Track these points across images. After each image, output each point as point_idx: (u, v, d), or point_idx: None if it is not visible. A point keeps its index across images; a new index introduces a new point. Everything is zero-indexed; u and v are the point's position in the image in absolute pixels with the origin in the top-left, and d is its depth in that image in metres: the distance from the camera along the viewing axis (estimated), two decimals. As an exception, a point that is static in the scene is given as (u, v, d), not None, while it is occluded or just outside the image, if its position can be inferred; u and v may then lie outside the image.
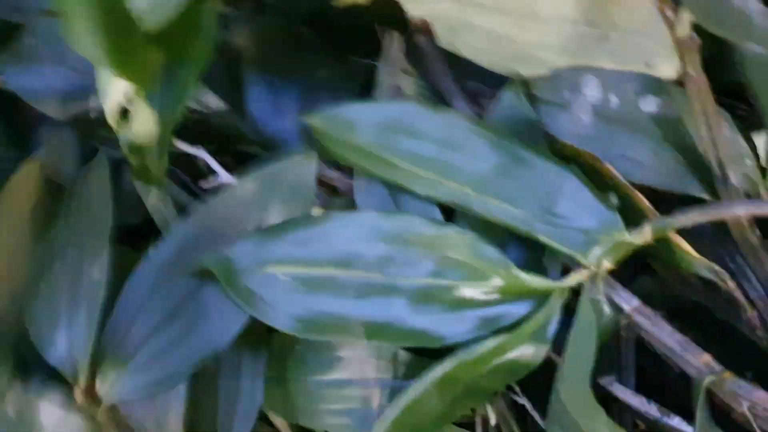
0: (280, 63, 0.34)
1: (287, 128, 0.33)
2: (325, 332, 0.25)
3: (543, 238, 0.25)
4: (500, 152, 0.26)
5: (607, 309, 0.26)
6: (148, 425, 0.27)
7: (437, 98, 0.29)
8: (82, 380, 0.26)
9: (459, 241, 0.25)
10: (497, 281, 0.25)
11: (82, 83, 0.29)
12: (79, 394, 0.25)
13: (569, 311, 0.26)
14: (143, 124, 0.25)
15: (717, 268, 0.25)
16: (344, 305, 0.25)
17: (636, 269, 0.29)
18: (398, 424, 0.26)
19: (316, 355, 0.28)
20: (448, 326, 0.25)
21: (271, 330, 0.25)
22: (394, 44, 0.30)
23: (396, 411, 0.25)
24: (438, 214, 0.27)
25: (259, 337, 0.27)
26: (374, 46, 0.31)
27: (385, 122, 0.27)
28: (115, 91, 0.25)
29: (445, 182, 0.26)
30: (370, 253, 0.25)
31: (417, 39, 0.29)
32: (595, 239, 0.25)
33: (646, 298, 0.26)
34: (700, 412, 0.24)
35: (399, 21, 0.29)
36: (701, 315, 0.27)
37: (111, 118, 0.26)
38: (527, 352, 0.26)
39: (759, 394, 0.23)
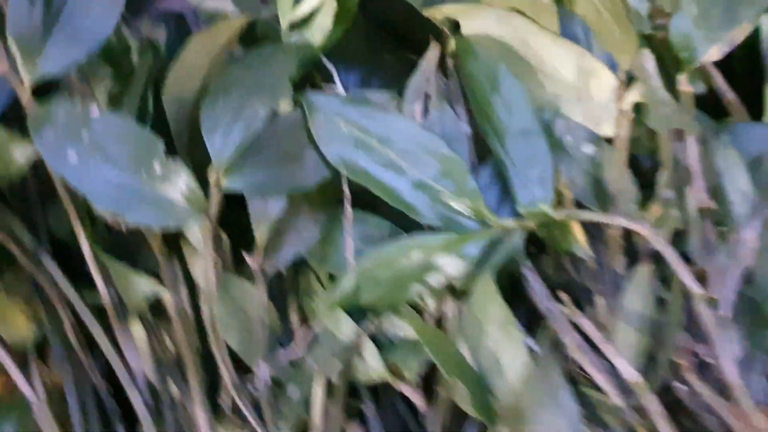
0: (352, 49, 0.49)
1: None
2: (354, 175, 0.39)
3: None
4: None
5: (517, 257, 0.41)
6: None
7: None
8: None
9: (461, 170, 0.40)
10: (467, 203, 0.40)
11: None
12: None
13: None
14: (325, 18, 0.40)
15: (590, 253, 0.41)
16: (372, 165, 0.39)
17: (540, 250, 0.44)
18: (362, 276, 0.40)
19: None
20: (427, 211, 0.40)
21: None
22: (433, 52, 0.46)
23: (358, 271, 0.39)
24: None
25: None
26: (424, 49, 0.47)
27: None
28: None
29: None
30: (403, 147, 0.40)
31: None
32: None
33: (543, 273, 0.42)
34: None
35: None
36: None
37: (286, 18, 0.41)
38: (449, 262, 0.40)
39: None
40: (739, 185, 0.45)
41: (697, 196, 0.43)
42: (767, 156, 0.46)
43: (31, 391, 0.47)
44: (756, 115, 0.50)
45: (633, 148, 0.44)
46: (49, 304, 0.48)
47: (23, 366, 0.48)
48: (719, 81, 0.48)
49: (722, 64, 0.52)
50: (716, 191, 0.45)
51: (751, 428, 0.37)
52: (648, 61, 0.39)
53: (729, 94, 0.48)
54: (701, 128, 0.46)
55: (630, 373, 0.38)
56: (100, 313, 0.47)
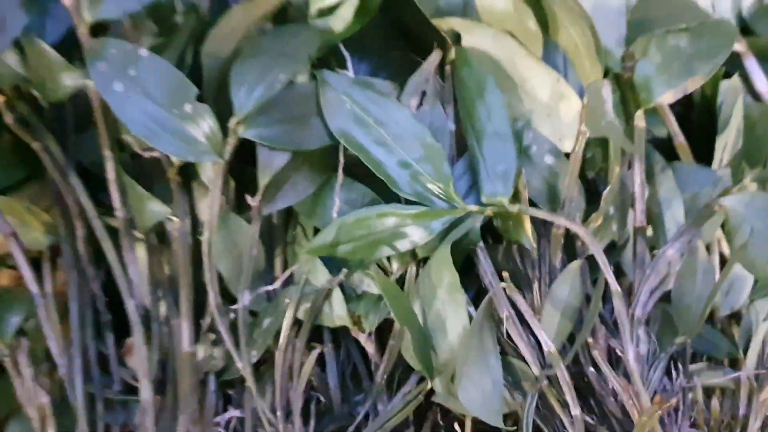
0: (367, 42, 0.57)
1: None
2: (350, 146, 0.47)
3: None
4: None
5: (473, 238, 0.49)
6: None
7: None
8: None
9: (440, 157, 0.47)
10: (440, 185, 0.47)
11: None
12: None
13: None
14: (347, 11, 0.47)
15: (535, 246, 0.48)
16: (366, 140, 0.47)
17: (495, 241, 0.52)
18: (342, 231, 0.47)
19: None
20: (406, 187, 0.47)
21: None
22: (434, 57, 0.53)
23: (339, 226, 0.47)
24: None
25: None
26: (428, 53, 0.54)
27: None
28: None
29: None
30: (395, 130, 0.47)
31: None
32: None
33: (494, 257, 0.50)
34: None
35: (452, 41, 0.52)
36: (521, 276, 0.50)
37: (316, 5, 0.48)
38: (415, 231, 0.47)
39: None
40: (674, 215, 0.53)
41: (636, 217, 0.51)
42: (702, 194, 0.54)
43: (39, 289, 0.54)
44: (704, 158, 0.57)
45: (589, 167, 0.52)
46: (66, 217, 0.55)
47: (35, 267, 0.55)
48: (674, 127, 0.56)
49: (683, 116, 0.61)
50: (655, 218, 0.53)
51: (641, 409, 0.44)
52: (606, 91, 0.47)
53: (680, 138, 0.56)
54: (652, 162, 0.54)
55: (548, 344, 0.45)
56: (110, 232, 0.54)
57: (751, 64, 0.63)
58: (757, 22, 0.64)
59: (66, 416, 0.54)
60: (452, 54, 0.52)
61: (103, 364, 0.55)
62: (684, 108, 0.62)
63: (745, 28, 0.65)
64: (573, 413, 0.44)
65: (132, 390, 0.55)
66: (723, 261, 0.55)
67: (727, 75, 0.60)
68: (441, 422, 0.53)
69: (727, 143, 0.57)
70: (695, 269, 0.51)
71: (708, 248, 0.54)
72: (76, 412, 0.53)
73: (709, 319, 0.55)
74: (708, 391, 0.52)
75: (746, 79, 0.63)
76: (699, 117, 0.61)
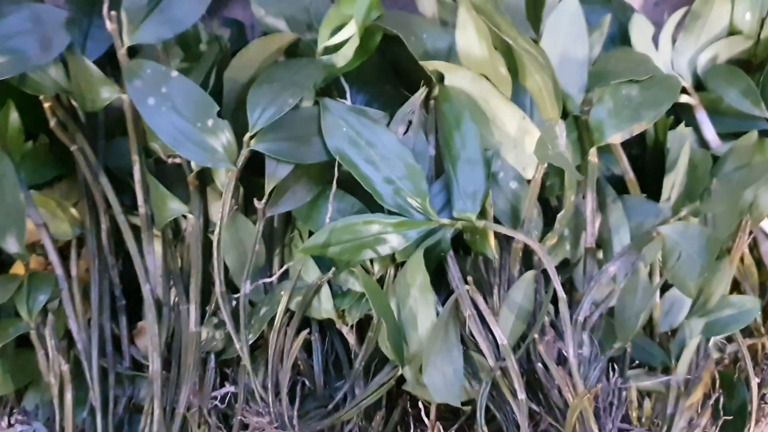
0: (364, 77, 0.66)
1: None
2: (344, 162, 0.55)
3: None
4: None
5: (444, 247, 0.57)
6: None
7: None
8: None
9: (419, 177, 0.56)
10: (418, 200, 0.56)
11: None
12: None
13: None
14: (348, 49, 0.56)
15: (497, 257, 0.57)
16: (358, 159, 0.56)
17: (465, 253, 0.61)
18: (332, 234, 0.55)
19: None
20: (390, 200, 0.56)
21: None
22: (419, 94, 0.62)
23: (330, 229, 0.55)
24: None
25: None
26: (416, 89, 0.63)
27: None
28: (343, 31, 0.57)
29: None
30: (383, 151, 0.56)
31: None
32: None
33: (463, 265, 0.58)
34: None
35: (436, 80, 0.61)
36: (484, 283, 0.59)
37: (322, 44, 0.58)
38: (395, 238, 0.56)
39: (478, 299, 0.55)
40: (621, 239, 0.62)
41: (587, 239, 0.60)
42: (645, 223, 0.63)
43: (64, 274, 0.62)
44: (655, 193, 0.66)
45: (548, 193, 0.61)
46: (92, 212, 0.63)
47: (62, 255, 0.63)
48: (625, 165, 0.65)
49: (639, 157, 0.70)
50: (605, 241, 0.62)
51: (578, 399, 0.52)
52: (560, 128, 0.56)
53: (629, 175, 0.65)
54: (605, 194, 0.63)
55: (502, 338, 0.54)
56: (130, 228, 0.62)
57: (702, 116, 0.72)
58: (710, 80, 0.73)
59: (80, 389, 0.62)
60: (436, 91, 0.61)
61: (116, 343, 0.63)
62: (640, 150, 0.72)
63: (699, 85, 0.75)
64: (519, 398, 0.53)
65: (140, 367, 0.63)
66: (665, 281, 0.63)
67: (679, 122, 0.70)
68: (410, 410, 0.61)
69: (675, 182, 0.66)
70: (636, 287, 0.60)
71: (651, 270, 0.63)
72: (90, 384, 0.61)
73: (649, 333, 0.63)
74: (644, 394, 0.61)
75: (697, 128, 0.73)
76: (651, 159, 0.70)
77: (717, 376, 0.67)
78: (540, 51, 0.57)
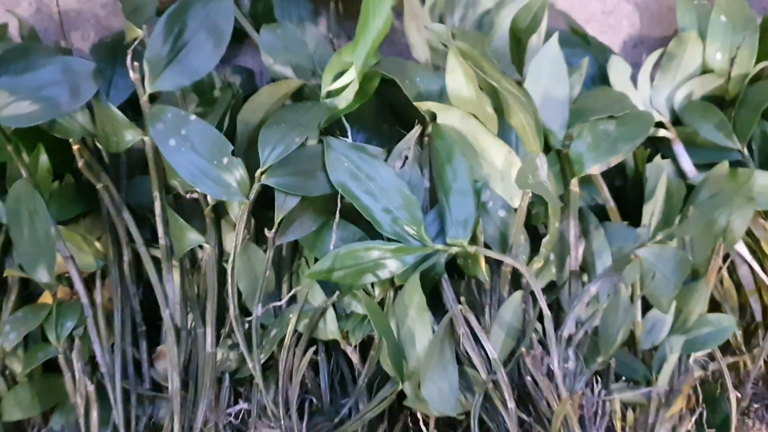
0: (364, 117, 0.72)
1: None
2: (346, 195, 0.62)
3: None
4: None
5: (439, 270, 0.63)
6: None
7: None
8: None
9: (415, 207, 0.62)
10: (414, 228, 0.62)
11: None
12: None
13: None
14: (349, 93, 0.63)
15: (488, 279, 0.63)
16: (359, 191, 0.62)
17: (459, 277, 0.66)
18: (336, 260, 0.61)
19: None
20: (388, 228, 0.62)
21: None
22: (414, 132, 0.68)
23: (334, 256, 0.61)
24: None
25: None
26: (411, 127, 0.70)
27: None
28: (344, 76, 0.63)
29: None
30: (382, 184, 0.62)
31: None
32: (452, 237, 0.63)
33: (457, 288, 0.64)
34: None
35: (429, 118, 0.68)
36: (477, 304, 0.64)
37: (326, 88, 0.64)
38: (393, 263, 0.62)
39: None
40: (604, 263, 0.67)
41: (571, 263, 0.66)
42: (625, 247, 0.68)
43: (89, 302, 0.68)
44: (635, 220, 0.72)
45: (534, 220, 0.67)
46: (115, 245, 0.69)
47: (87, 285, 0.69)
48: (605, 194, 0.71)
49: (621, 188, 0.76)
50: (589, 264, 0.68)
51: (562, 404, 0.58)
52: (542, 162, 0.62)
53: (610, 203, 0.71)
54: (588, 221, 0.69)
55: (492, 352, 0.59)
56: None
57: (679, 149, 0.78)
58: (686, 115, 0.80)
59: (103, 409, 0.67)
60: (429, 129, 0.67)
61: (137, 366, 0.69)
62: (622, 181, 0.78)
63: (677, 120, 0.81)
64: (509, 407, 0.58)
65: (159, 388, 0.68)
66: (645, 302, 0.69)
67: (658, 154, 0.76)
68: (411, 424, 0.66)
69: (654, 210, 0.72)
70: (618, 306, 0.65)
71: (633, 292, 0.68)
72: (113, 404, 0.66)
73: (632, 350, 0.69)
74: (627, 406, 0.66)
75: (675, 160, 0.79)
76: (632, 189, 0.76)
77: (701, 392, 0.72)
78: (522, 91, 0.63)
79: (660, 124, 0.79)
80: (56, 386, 0.69)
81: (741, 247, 0.76)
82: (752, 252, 0.77)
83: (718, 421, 0.72)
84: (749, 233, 0.77)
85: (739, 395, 0.74)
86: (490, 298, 0.64)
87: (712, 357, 0.74)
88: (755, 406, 0.76)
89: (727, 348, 0.77)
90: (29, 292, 0.73)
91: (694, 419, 0.69)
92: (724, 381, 0.73)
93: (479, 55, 0.62)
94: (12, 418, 0.68)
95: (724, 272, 0.77)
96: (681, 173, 0.78)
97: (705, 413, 0.71)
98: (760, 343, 0.76)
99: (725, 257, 0.76)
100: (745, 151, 0.77)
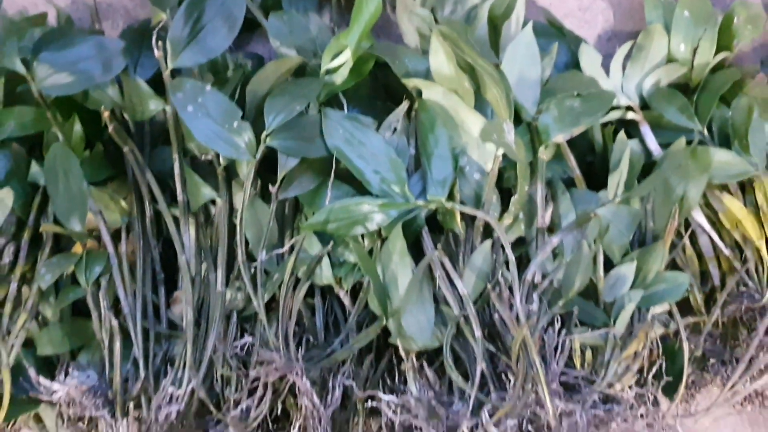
0: (359, 94, 0.83)
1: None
2: (340, 157, 0.72)
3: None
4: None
5: (419, 223, 0.73)
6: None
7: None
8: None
9: (400, 169, 0.73)
10: (399, 187, 0.72)
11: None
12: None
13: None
14: (344, 70, 0.74)
15: (463, 233, 0.73)
16: (352, 155, 0.72)
17: (439, 232, 0.76)
18: (330, 214, 0.72)
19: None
20: (377, 187, 0.72)
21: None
22: (403, 106, 0.79)
23: (328, 210, 0.72)
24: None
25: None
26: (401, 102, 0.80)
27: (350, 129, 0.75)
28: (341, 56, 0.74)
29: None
30: (372, 149, 0.73)
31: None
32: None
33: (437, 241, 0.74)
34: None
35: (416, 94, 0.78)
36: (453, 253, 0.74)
37: (325, 66, 0.75)
38: (380, 216, 0.72)
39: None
40: (569, 221, 0.77)
41: (538, 221, 0.76)
42: (589, 210, 0.78)
43: (114, 252, 0.78)
44: (599, 190, 0.82)
45: (507, 183, 0.77)
46: (139, 203, 0.80)
47: (114, 237, 0.79)
48: (572, 163, 0.81)
49: (592, 162, 0.86)
50: (556, 225, 0.78)
51: (520, 331, 0.67)
52: (509, 127, 0.72)
53: (576, 172, 0.81)
54: (556, 188, 0.79)
55: (463, 289, 0.69)
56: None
57: (645, 129, 0.88)
58: (653, 100, 0.90)
59: (125, 347, 0.77)
60: (416, 104, 0.78)
61: (155, 311, 0.79)
62: (593, 157, 0.88)
63: (645, 105, 0.91)
64: (476, 335, 0.68)
65: (175, 328, 0.79)
66: (606, 258, 0.78)
67: (627, 135, 0.86)
68: (395, 360, 0.76)
69: (619, 180, 0.82)
70: (579, 260, 0.75)
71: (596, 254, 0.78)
72: (134, 342, 0.76)
73: (595, 301, 0.78)
74: (587, 347, 0.75)
75: (642, 141, 0.89)
76: (600, 164, 0.86)
77: (661, 347, 0.81)
78: (496, 69, 0.74)
79: (630, 109, 0.89)
80: (84, 328, 0.80)
81: (701, 219, 0.86)
82: (711, 223, 0.87)
83: (676, 371, 0.81)
84: (709, 206, 0.87)
85: (693, 347, 0.83)
86: (465, 248, 0.74)
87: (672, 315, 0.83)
88: (712, 361, 0.86)
89: (689, 311, 0.87)
90: (61, 248, 0.83)
91: (654, 369, 0.79)
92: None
93: (458, 37, 0.72)
94: (44, 353, 0.78)
95: (687, 242, 0.86)
96: (648, 152, 0.88)
97: (664, 365, 0.81)
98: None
99: (686, 226, 0.86)
100: (705, 132, 0.87)
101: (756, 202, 0.85)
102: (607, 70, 0.90)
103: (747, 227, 0.85)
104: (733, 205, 0.85)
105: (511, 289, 0.71)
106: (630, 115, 0.89)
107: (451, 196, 0.73)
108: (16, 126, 0.78)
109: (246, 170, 0.74)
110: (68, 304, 0.78)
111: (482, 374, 0.69)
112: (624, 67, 0.91)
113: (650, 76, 0.90)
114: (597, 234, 0.76)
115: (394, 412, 0.68)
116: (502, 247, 0.73)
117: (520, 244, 0.77)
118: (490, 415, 0.66)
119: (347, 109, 0.78)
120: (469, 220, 0.75)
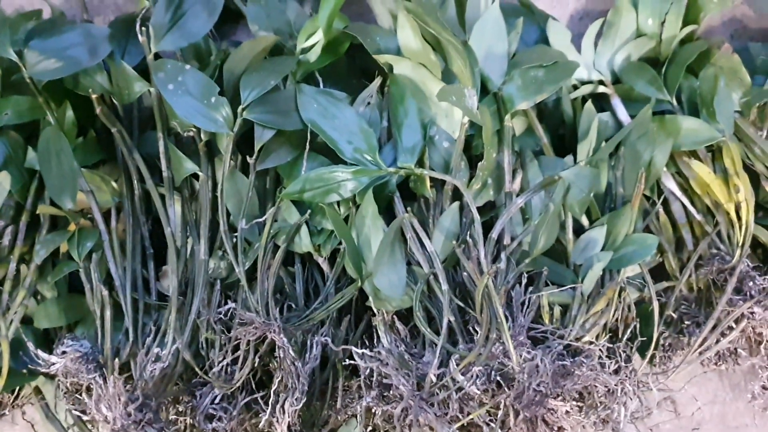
0: (335, 72, 0.89)
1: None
2: (315, 129, 0.78)
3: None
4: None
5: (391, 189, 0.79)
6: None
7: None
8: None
9: (372, 139, 0.78)
10: (371, 155, 0.78)
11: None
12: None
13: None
14: (318, 48, 0.80)
15: (433, 197, 0.78)
16: (327, 126, 0.78)
17: (412, 199, 0.82)
18: (306, 182, 0.78)
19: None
20: (350, 156, 0.78)
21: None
22: (376, 82, 0.85)
23: (305, 179, 0.78)
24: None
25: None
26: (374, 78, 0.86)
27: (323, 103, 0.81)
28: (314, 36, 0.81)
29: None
30: (345, 121, 0.79)
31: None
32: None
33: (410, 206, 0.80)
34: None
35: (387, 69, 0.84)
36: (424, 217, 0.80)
37: (300, 46, 0.82)
38: (353, 183, 0.78)
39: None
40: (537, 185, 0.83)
41: (506, 186, 0.81)
42: (556, 175, 0.83)
43: (105, 229, 0.84)
44: (562, 154, 0.87)
45: (475, 150, 0.83)
46: (128, 183, 0.86)
47: (106, 216, 0.86)
48: (539, 132, 0.87)
49: (562, 136, 0.92)
50: (525, 190, 0.83)
51: (482, 279, 0.72)
52: (471, 93, 0.78)
53: (544, 140, 0.87)
54: (525, 155, 0.84)
55: (430, 247, 0.74)
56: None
57: (616, 102, 0.94)
58: (624, 74, 0.95)
59: (117, 320, 0.83)
60: (389, 78, 0.84)
61: (145, 284, 0.85)
62: (564, 129, 0.93)
63: (617, 79, 0.96)
64: (443, 288, 0.73)
65: (164, 299, 0.84)
66: (576, 222, 0.83)
67: (602, 110, 0.91)
68: (373, 324, 0.81)
69: (588, 149, 0.87)
70: (545, 222, 0.80)
71: (565, 218, 0.83)
72: (125, 313, 0.82)
73: (565, 262, 0.83)
74: (555, 306, 0.80)
75: (614, 113, 0.94)
76: (570, 135, 0.92)
77: (635, 310, 0.86)
78: (460, 42, 0.80)
79: (601, 83, 0.95)
80: (79, 304, 0.86)
81: (673, 185, 0.91)
82: (683, 190, 0.92)
83: (649, 333, 0.86)
84: (680, 173, 0.92)
85: (671, 312, 0.88)
86: (434, 211, 0.79)
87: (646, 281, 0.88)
88: (687, 323, 0.90)
89: (666, 277, 0.92)
90: (57, 230, 0.90)
91: (629, 331, 0.84)
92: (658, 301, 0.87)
93: (423, 12, 0.78)
94: (41, 326, 0.85)
95: (660, 209, 0.91)
96: (619, 124, 0.93)
97: (639, 327, 0.85)
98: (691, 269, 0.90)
99: (660, 194, 0.91)
100: (675, 102, 0.92)
101: (724, 167, 0.90)
102: (579, 49, 0.95)
103: (716, 191, 0.89)
104: (701, 170, 0.90)
105: (476, 245, 0.76)
106: (601, 89, 0.94)
107: (420, 163, 0.79)
108: (13, 114, 0.85)
109: (225, 143, 0.80)
110: (63, 276, 0.84)
111: (452, 328, 0.74)
112: (596, 45, 0.96)
113: (621, 51, 0.96)
114: (561, 196, 0.81)
115: (367, 364, 0.73)
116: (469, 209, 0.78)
117: (490, 209, 0.82)
118: (457, 365, 0.71)
119: (322, 86, 0.84)
120: (439, 186, 0.81)
